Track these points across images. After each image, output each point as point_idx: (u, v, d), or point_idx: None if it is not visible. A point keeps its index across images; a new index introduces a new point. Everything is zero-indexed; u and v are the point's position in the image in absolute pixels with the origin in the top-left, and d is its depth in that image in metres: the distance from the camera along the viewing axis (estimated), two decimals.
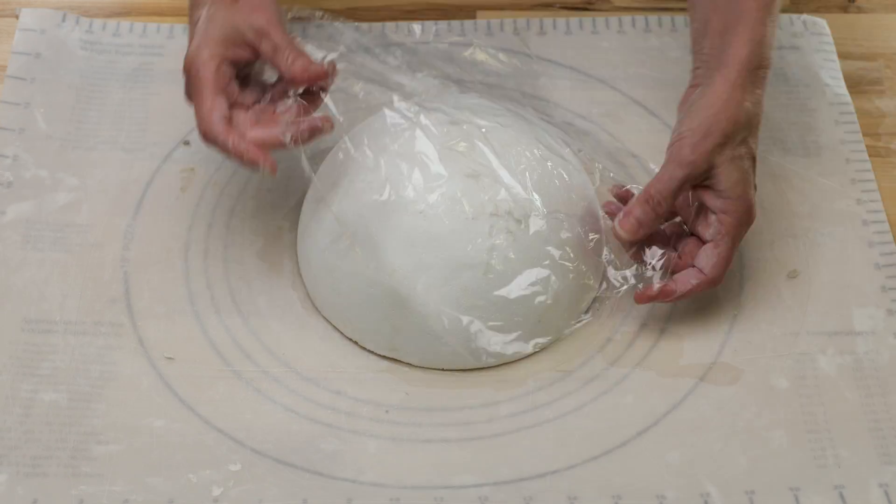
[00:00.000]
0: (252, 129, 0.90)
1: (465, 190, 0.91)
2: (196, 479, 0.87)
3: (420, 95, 0.97)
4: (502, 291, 0.91)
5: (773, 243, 1.00)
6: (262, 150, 0.88)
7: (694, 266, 0.91)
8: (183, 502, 0.86)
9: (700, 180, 0.89)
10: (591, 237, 0.94)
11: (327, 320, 0.96)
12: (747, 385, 0.92)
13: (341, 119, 0.92)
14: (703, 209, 0.91)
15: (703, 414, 0.90)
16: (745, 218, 0.90)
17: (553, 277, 0.91)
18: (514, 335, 0.92)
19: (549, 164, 0.94)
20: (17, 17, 1.14)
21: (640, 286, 0.92)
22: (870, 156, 1.06)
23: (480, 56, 1.05)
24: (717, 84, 0.89)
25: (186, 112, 1.08)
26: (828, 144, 1.07)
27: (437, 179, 0.91)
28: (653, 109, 1.09)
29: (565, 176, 0.95)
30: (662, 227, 0.93)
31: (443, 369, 0.93)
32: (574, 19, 1.16)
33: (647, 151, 1.05)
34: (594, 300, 0.96)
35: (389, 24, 1.16)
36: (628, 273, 0.93)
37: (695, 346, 0.94)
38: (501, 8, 1.18)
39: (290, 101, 0.91)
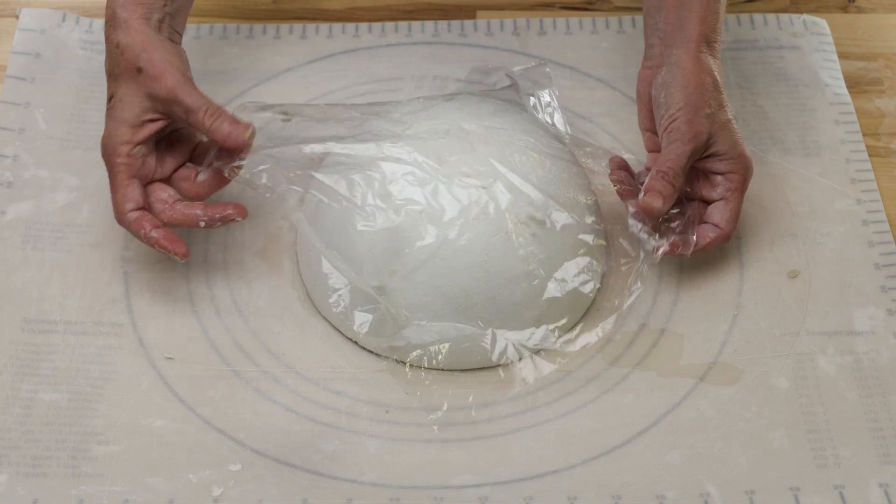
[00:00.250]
0: (172, 208, 0.93)
1: (480, 210, 0.91)
2: (196, 479, 0.87)
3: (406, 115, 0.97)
4: (553, 292, 0.92)
5: (773, 243, 1.00)
6: (172, 240, 0.91)
7: (707, 223, 0.95)
8: (183, 502, 0.86)
9: (702, 152, 0.94)
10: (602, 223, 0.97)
11: (327, 320, 0.96)
12: (747, 385, 0.92)
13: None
14: (704, 174, 0.96)
15: (703, 414, 0.90)
16: (748, 173, 0.96)
17: (594, 262, 0.94)
18: (577, 329, 0.94)
19: (547, 154, 0.95)
20: (17, 17, 1.14)
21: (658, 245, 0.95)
22: (870, 156, 1.06)
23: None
24: (684, 61, 0.95)
25: None
26: (828, 144, 1.07)
27: (451, 207, 0.91)
28: None
29: (565, 163, 0.96)
30: None
31: (442, 369, 0.93)
32: (574, 19, 1.16)
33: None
34: (638, 271, 0.97)
35: (389, 25, 1.16)
36: (655, 239, 0.95)
37: (695, 346, 0.94)
38: (501, 8, 1.18)
39: (204, 175, 0.94)
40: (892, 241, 1.00)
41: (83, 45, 1.13)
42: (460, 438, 0.89)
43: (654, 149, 0.98)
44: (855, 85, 1.12)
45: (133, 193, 0.92)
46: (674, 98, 0.94)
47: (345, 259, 0.91)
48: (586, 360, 0.94)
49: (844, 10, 1.18)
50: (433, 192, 0.91)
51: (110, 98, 0.93)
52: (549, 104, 1.01)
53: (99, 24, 1.14)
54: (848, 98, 1.10)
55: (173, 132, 0.95)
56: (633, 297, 0.96)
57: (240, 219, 0.93)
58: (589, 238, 0.94)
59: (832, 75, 1.12)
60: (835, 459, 0.88)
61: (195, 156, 0.96)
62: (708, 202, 0.96)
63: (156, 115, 0.92)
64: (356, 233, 0.91)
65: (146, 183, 0.93)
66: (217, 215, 0.92)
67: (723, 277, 0.98)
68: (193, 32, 1.14)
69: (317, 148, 0.94)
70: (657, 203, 0.92)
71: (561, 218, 0.92)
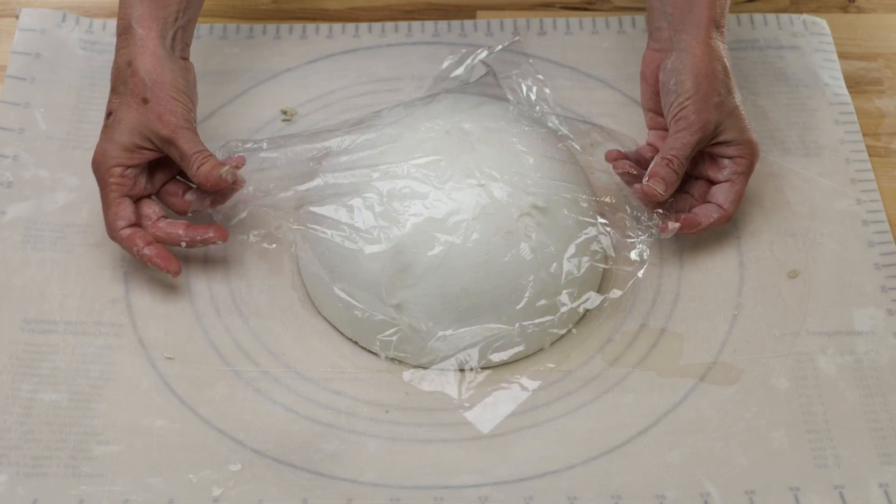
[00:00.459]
0: (155, 225, 0.94)
1: (482, 210, 0.91)
2: (196, 479, 0.87)
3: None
4: (572, 271, 0.93)
5: (773, 243, 1.00)
6: (165, 257, 0.93)
7: (710, 203, 0.97)
8: (183, 502, 0.86)
9: (710, 140, 0.96)
10: (607, 197, 0.97)
11: (327, 320, 0.96)
12: (747, 385, 0.92)
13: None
14: (711, 156, 0.98)
15: (703, 414, 0.90)
16: (755, 157, 0.97)
17: (601, 236, 0.95)
18: (588, 299, 0.95)
19: (547, 154, 0.95)
20: (17, 17, 1.14)
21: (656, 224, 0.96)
22: (870, 156, 1.06)
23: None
24: (693, 48, 0.96)
25: None
26: (828, 144, 1.07)
27: (452, 211, 0.91)
28: None
29: (564, 163, 0.96)
30: None
31: (442, 369, 0.93)
32: (574, 19, 1.16)
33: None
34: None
35: (389, 25, 1.16)
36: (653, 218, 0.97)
37: (695, 346, 0.94)
38: (501, 8, 1.18)
39: (192, 196, 0.96)
40: (892, 241, 1.00)
41: (83, 45, 1.13)
42: (460, 438, 0.89)
43: (657, 127, 1.00)
44: (855, 85, 1.12)
45: (125, 211, 0.93)
46: (684, 86, 0.95)
47: (359, 286, 0.91)
48: (586, 360, 0.94)
49: (844, 10, 1.18)
50: (434, 200, 0.91)
51: (109, 114, 0.94)
52: (529, 86, 1.02)
53: (99, 24, 1.14)
54: (848, 98, 1.10)
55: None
56: (643, 268, 0.96)
57: (220, 242, 0.94)
58: (591, 219, 0.95)
59: (832, 75, 1.12)
60: (835, 459, 0.88)
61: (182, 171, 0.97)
62: (713, 182, 0.98)
63: (151, 146, 0.93)
64: (365, 258, 0.91)
65: (136, 199, 0.95)
66: (198, 237, 0.94)
67: (723, 277, 0.98)
68: (193, 32, 1.14)
69: (311, 184, 0.95)
70: (660, 189, 0.94)
71: (562, 202, 0.93)
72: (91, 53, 1.12)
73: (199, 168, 0.92)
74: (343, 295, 0.92)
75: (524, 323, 0.92)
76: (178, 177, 0.97)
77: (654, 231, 0.96)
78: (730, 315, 0.96)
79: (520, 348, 0.92)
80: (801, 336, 0.95)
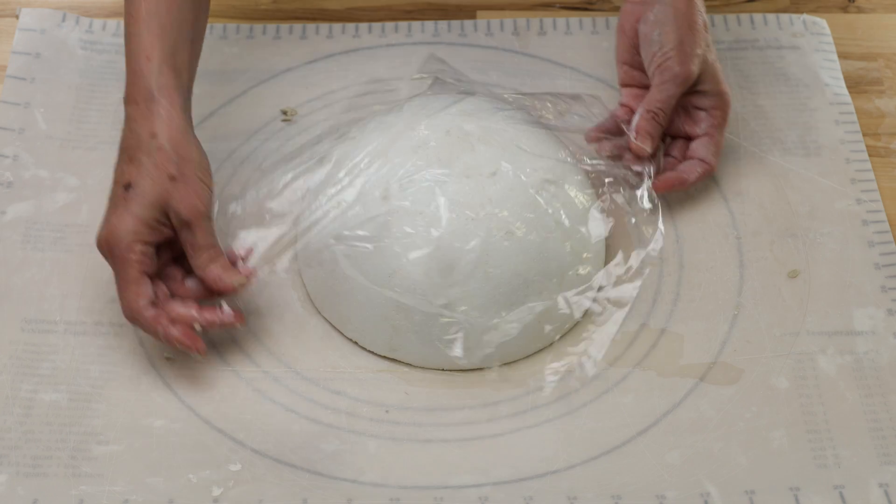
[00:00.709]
0: (169, 304, 0.89)
1: (501, 192, 0.92)
2: (196, 479, 0.87)
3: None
4: (599, 231, 0.95)
5: (773, 243, 1.00)
6: (192, 337, 0.88)
7: (693, 158, 1.00)
8: (183, 502, 0.86)
9: (689, 90, 0.98)
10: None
11: (327, 320, 0.96)
12: (747, 385, 0.92)
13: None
14: (686, 110, 1.00)
15: (703, 414, 0.90)
16: (729, 108, 1.00)
17: (615, 194, 0.99)
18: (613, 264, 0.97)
19: (546, 154, 0.96)
20: (17, 17, 1.14)
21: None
22: (870, 156, 1.06)
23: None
24: (677, 1, 0.98)
25: None
26: (828, 144, 1.07)
27: (477, 202, 0.91)
28: None
29: (563, 163, 0.97)
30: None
31: (443, 369, 0.93)
32: (574, 19, 1.16)
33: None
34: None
35: (389, 25, 1.16)
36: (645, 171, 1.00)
37: (695, 346, 0.94)
38: (501, 8, 1.18)
39: (192, 283, 0.91)
40: (892, 241, 1.00)
41: (83, 45, 1.13)
42: (460, 438, 0.89)
43: (631, 83, 1.02)
44: (855, 85, 1.12)
45: (146, 289, 0.87)
46: (668, 37, 0.97)
47: (408, 292, 0.91)
48: (586, 361, 0.93)
49: (844, 10, 1.18)
50: (453, 194, 0.91)
51: (127, 185, 0.88)
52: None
53: (99, 24, 1.14)
54: (848, 98, 1.10)
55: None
56: (660, 217, 0.99)
57: (239, 325, 0.90)
58: (600, 184, 0.98)
59: (832, 75, 1.12)
60: (835, 459, 0.88)
61: (180, 254, 0.92)
62: (691, 138, 1.00)
63: (168, 224, 0.89)
64: (409, 263, 0.90)
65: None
66: (216, 321, 0.89)
67: (723, 277, 0.98)
68: None
69: (331, 226, 0.93)
70: (647, 144, 0.97)
71: (568, 176, 0.95)
72: (91, 53, 1.12)
73: (208, 266, 0.89)
74: (401, 301, 0.91)
75: (567, 294, 0.93)
76: (175, 260, 0.92)
77: (649, 184, 0.99)
78: (730, 315, 0.96)
79: (571, 316, 0.94)
80: (801, 336, 0.95)
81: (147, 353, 0.93)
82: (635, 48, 1.00)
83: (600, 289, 0.96)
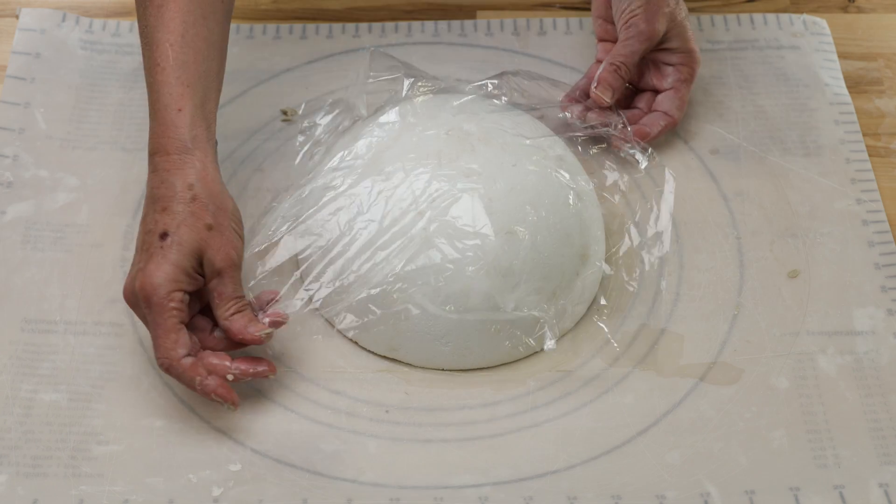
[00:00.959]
0: (203, 355, 0.87)
1: (526, 177, 0.93)
2: (196, 479, 0.87)
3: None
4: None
5: (773, 243, 1.00)
6: (227, 388, 0.87)
7: (657, 111, 1.04)
8: (183, 502, 0.86)
9: (655, 47, 1.03)
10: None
11: (327, 321, 0.96)
12: (747, 385, 0.92)
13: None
14: (655, 64, 1.04)
15: (703, 414, 0.90)
16: (697, 65, 1.04)
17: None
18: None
19: (545, 153, 0.96)
20: (17, 17, 1.14)
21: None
22: (870, 156, 1.06)
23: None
24: None
25: None
26: (828, 144, 1.07)
27: (507, 191, 0.92)
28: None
29: (564, 161, 0.98)
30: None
31: (442, 369, 0.93)
32: (574, 19, 1.16)
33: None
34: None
35: (389, 25, 1.16)
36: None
37: (695, 346, 0.94)
38: (501, 8, 1.18)
39: (220, 334, 0.89)
40: (892, 241, 1.00)
41: (83, 45, 1.13)
42: (460, 438, 0.89)
43: (605, 37, 1.06)
44: (855, 85, 1.12)
45: (185, 339, 0.86)
46: None
47: (475, 309, 0.91)
48: (586, 360, 0.94)
49: (844, 10, 1.18)
50: (484, 193, 0.92)
51: (163, 234, 0.86)
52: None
53: (99, 24, 1.14)
54: (848, 98, 1.10)
55: None
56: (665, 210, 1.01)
57: (272, 376, 0.89)
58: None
59: (832, 75, 1.12)
60: (835, 459, 0.88)
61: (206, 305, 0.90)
62: (657, 92, 1.04)
63: (202, 274, 0.88)
64: (470, 278, 0.90)
65: None
66: (250, 370, 0.88)
67: (723, 277, 0.98)
68: None
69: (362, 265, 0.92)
70: (607, 95, 1.01)
71: (569, 159, 0.98)
72: (91, 53, 1.12)
73: (231, 315, 0.87)
74: (469, 318, 0.91)
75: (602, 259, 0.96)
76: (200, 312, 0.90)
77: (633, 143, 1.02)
78: (730, 315, 0.96)
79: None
80: (801, 336, 0.95)
81: (147, 353, 0.93)
82: (609, 3, 1.04)
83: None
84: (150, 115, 0.91)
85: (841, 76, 1.12)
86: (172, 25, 0.90)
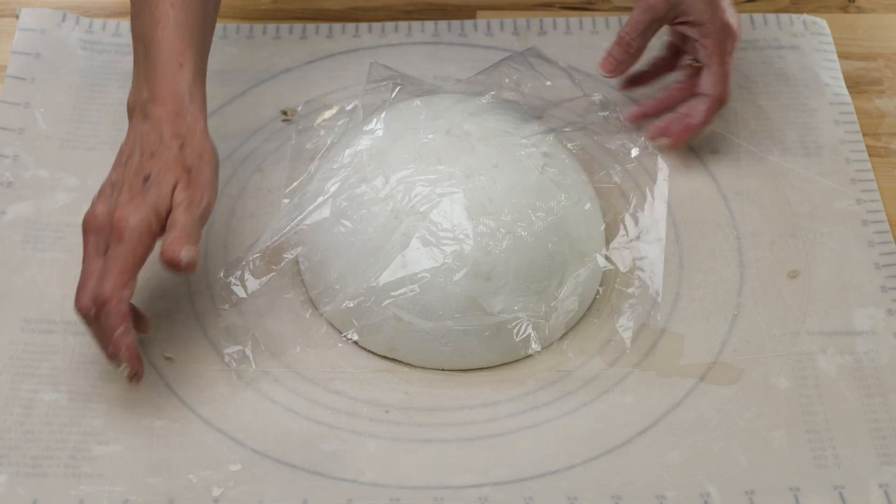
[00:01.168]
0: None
1: (514, 181, 0.93)
2: (196, 479, 0.87)
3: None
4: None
5: (773, 243, 1.00)
6: (139, 356, 0.87)
7: (698, 94, 1.01)
8: (183, 502, 0.86)
9: (671, 19, 1.00)
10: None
11: (327, 321, 0.96)
12: (747, 385, 0.92)
13: None
14: (690, 43, 1.01)
15: (703, 414, 0.90)
16: (723, 34, 0.99)
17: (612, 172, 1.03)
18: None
19: (544, 153, 0.97)
20: (17, 17, 1.14)
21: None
22: (870, 156, 1.06)
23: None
24: None
25: None
26: (828, 144, 1.07)
27: (490, 198, 0.92)
28: None
29: (564, 160, 0.98)
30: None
31: (442, 369, 0.93)
32: (574, 19, 1.16)
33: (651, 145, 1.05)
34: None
35: (389, 25, 1.16)
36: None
37: (695, 346, 0.94)
38: (501, 8, 1.18)
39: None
40: (892, 241, 1.00)
41: (83, 45, 1.13)
42: (460, 438, 0.89)
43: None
44: (855, 85, 1.12)
45: (133, 286, 0.86)
46: None
47: (458, 314, 0.91)
48: (586, 360, 0.94)
49: (844, 10, 1.18)
50: (470, 195, 0.91)
51: (146, 177, 0.88)
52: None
53: (99, 24, 1.14)
54: (848, 98, 1.10)
55: None
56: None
57: (132, 379, 0.87)
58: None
59: (832, 75, 1.12)
60: (835, 460, 0.88)
61: None
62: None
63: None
64: (453, 286, 0.90)
65: None
66: (133, 350, 0.86)
67: (723, 277, 0.98)
68: None
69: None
70: (608, 67, 1.01)
71: (560, 151, 0.97)
72: (91, 53, 1.12)
73: (172, 239, 0.86)
74: (457, 327, 0.91)
75: (602, 253, 0.96)
76: None
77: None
78: (730, 315, 0.96)
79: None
80: (801, 336, 0.95)
81: (147, 353, 0.93)
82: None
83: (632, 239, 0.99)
84: (142, 68, 0.91)
85: (841, 76, 1.12)
86: None
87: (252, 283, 0.94)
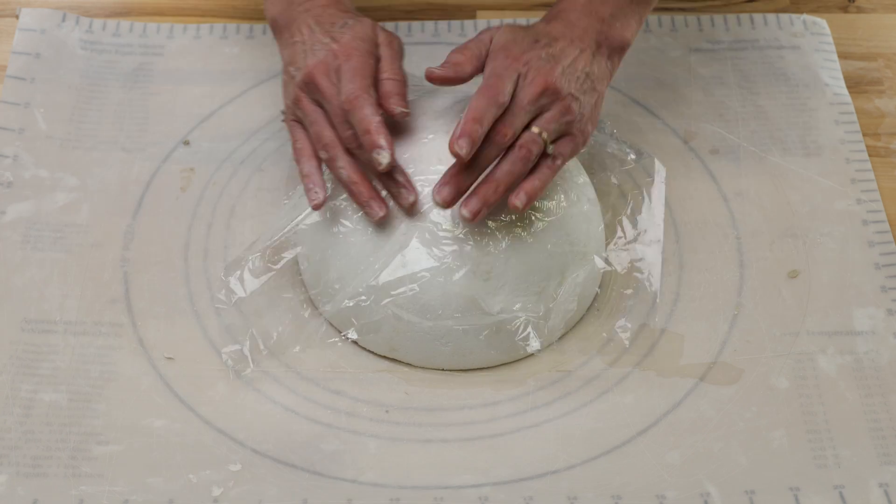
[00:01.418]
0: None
1: None
2: (196, 479, 0.87)
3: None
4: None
5: (773, 243, 1.00)
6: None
7: None
8: (183, 502, 0.86)
9: None
10: None
11: (327, 321, 0.96)
12: (747, 385, 0.92)
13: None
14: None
15: (703, 414, 0.90)
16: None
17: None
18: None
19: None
20: (17, 17, 1.14)
21: None
22: (870, 156, 1.06)
23: None
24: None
25: (186, 112, 1.09)
26: (828, 144, 1.07)
27: None
28: (653, 109, 1.09)
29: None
30: None
31: (442, 369, 0.93)
32: None
33: (647, 150, 1.05)
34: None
35: (389, 25, 1.16)
36: None
37: (695, 346, 0.94)
38: (501, 8, 1.18)
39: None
40: (892, 241, 1.00)
41: (83, 45, 1.13)
42: (460, 438, 0.89)
43: None
44: (855, 85, 1.12)
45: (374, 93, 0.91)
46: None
47: (458, 313, 0.91)
48: (586, 361, 0.94)
49: (844, 10, 1.18)
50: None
51: (344, 23, 0.94)
52: None
53: (99, 24, 1.14)
54: (848, 98, 1.10)
55: None
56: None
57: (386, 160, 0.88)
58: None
59: (832, 75, 1.12)
60: (835, 459, 0.88)
61: None
62: None
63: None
64: (453, 286, 0.90)
65: None
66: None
67: (723, 277, 0.98)
68: (193, 32, 1.14)
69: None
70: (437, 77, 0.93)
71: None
72: (91, 53, 1.12)
73: (386, 79, 0.92)
74: (456, 327, 0.91)
75: (602, 254, 0.96)
76: None
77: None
78: (730, 315, 0.96)
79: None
80: (801, 336, 0.95)
81: (147, 353, 0.93)
82: None
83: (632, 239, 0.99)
84: None
85: (841, 76, 1.12)
86: None
87: (251, 283, 0.94)
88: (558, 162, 0.89)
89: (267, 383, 0.92)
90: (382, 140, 0.87)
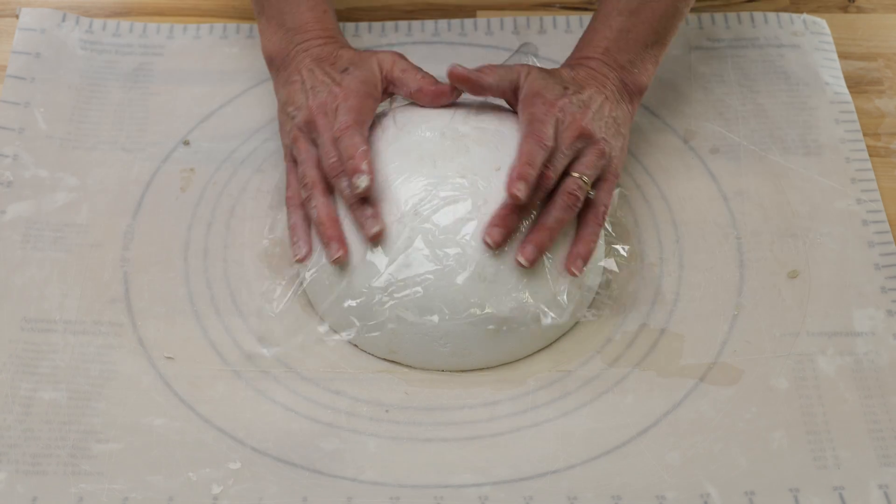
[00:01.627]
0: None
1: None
2: (196, 478, 0.87)
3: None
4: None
5: (773, 243, 1.00)
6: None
7: None
8: (183, 500, 0.86)
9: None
10: None
11: (327, 321, 0.96)
12: (747, 385, 0.92)
13: None
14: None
15: (703, 414, 0.90)
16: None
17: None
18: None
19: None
20: (17, 16, 1.14)
21: None
22: (870, 156, 1.06)
23: None
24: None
25: (186, 112, 1.09)
26: (828, 144, 1.07)
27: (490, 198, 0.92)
28: (653, 109, 1.09)
29: None
30: None
31: (442, 370, 0.93)
32: (574, 18, 1.16)
33: (646, 150, 1.05)
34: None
35: (389, 24, 1.16)
36: None
37: (695, 346, 0.94)
38: (501, 7, 1.18)
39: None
40: (892, 241, 1.00)
41: (83, 45, 1.13)
42: (460, 438, 0.89)
43: None
44: (855, 85, 1.12)
45: (366, 131, 0.95)
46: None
47: (464, 313, 0.91)
48: (586, 361, 0.94)
49: (844, 9, 1.18)
50: (474, 199, 0.92)
51: (345, 69, 0.96)
52: None
53: (99, 24, 1.14)
54: (848, 97, 1.10)
55: None
56: None
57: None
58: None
59: (832, 74, 1.12)
60: (834, 461, 0.88)
61: None
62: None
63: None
64: (459, 289, 0.90)
65: None
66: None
67: (723, 277, 0.98)
68: (193, 32, 1.14)
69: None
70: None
71: None
72: (91, 53, 1.12)
73: (419, 78, 0.98)
74: (463, 330, 0.91)
75: (602, 254, 0.95)
76: None
77: None
78: (730, 315, 0.96)
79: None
80: (801, 336, 0.95)
81: (147, 352, 0.93)
82: None
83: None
84: (279, 16, 1.00)
85: (841, 75, 1.12)
86: None
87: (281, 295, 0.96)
88: (601, 210, 0.94)
89: (267, 383, 0.92)
90: (364, 165, 0.91)
